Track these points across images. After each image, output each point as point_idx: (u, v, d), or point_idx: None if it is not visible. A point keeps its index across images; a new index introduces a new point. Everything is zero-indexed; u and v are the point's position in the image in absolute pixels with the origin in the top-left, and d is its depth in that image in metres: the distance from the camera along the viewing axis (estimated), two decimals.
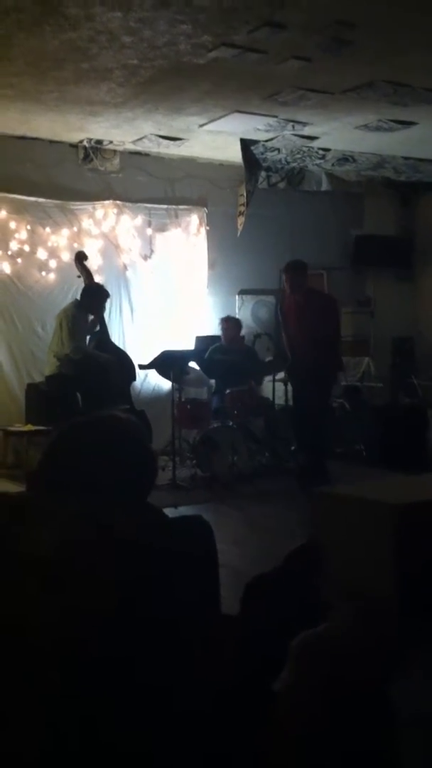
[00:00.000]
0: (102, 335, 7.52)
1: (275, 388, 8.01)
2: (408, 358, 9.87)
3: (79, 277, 7.57)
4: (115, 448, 1.67)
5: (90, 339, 7.43)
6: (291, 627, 1.44)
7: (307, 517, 4.58)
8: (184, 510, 6.05)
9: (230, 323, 8.35)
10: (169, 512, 1.64)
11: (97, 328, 7.49)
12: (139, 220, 8.69)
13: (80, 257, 7.58)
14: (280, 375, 7.97)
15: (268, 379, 8.23)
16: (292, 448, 7.94)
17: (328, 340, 7.23)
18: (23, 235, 8.03)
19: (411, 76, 6.25)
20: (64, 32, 5.30)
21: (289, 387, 7.99)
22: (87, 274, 7.52)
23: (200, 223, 9.08)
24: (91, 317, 7.41)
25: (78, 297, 7.43)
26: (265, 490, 7.05)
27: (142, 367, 7.52)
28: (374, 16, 5.14)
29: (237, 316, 8.93)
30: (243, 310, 9.46)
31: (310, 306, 7.24)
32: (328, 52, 5.68)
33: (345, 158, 8.78)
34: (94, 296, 7.36)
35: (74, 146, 8.27)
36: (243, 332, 8.63)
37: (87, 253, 7.79)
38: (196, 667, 1.35)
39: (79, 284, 7.61)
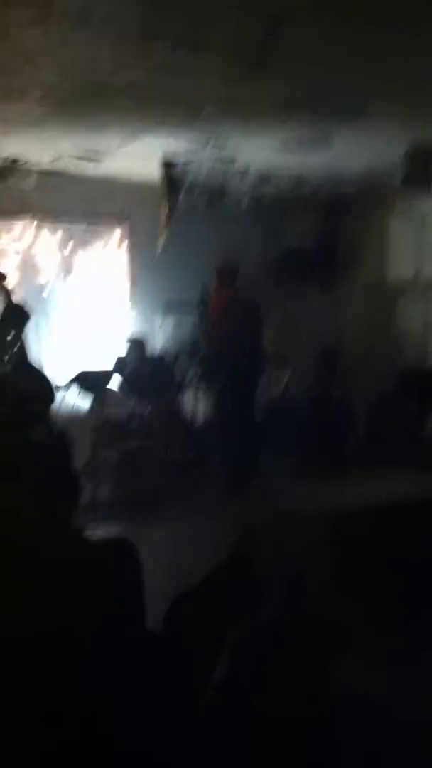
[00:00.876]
0: (20, 355, 7.41)
1: (195, 401, 8.04)
2: (331, 370, 9.98)
3: None
4: (34, 472, 1.64)
5: (8, 360, 7.31)
6: (221, 631, 1.44)
7: (234, 529, 4.58)
8: (105, 529, 5.99)
9: (134, 346, 8.30)
10: (91, 533, 1.62)
11: (16, 347, 7.38)
12: (58, 237, 8.62)
13: None
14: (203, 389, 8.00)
15: (189, 393, 8.26)
16: (217, 461, 7.97)
17: (251, 343, 7.33)
18: None
19: (331, 95, 6.34)
20: None
21: (211, 400, 8.05)
22: (6, 294, 7.42)
23: (121, 240, 9.06)
24: (10, 338, 7.30)
25: None
26: (188, 505, 7.03)
27: (59, 388, 7.45)
28: (293, 34, 5.13)
29: (159, 333, 8.91)
30: (165, 327, 9.44)
31: (237, 309, 7.36)
32: (249, 70, 5.72)
33: (265, 178, 8.90)
34: (15, 316, 7.27)
35: None
36: (162, 348, 8.62)
37: (4, 272, 7.69)
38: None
39: None
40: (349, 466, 7.67)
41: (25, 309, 7.43)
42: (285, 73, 5.83)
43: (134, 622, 1.59)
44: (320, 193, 9.64)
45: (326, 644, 1.53)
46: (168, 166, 8.10)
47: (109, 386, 7.63)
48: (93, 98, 6.22)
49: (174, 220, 8.42)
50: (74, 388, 7.44)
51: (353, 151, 7.95)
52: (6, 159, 8.03)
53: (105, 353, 8.70)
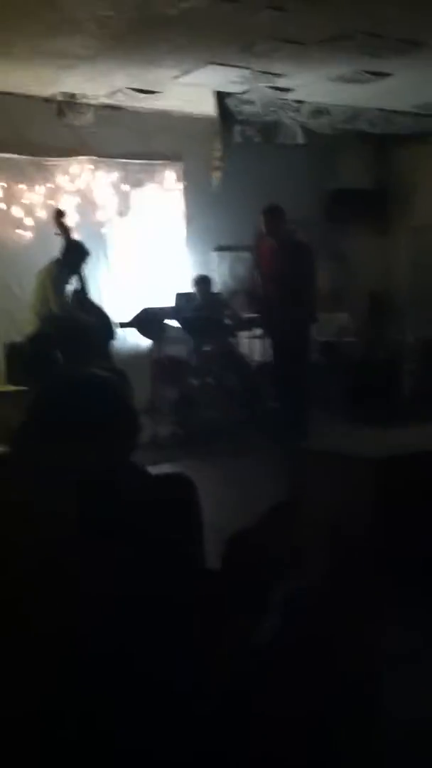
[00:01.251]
0: (81, 293, 7.47)
1: (252, 344, 8.02)
2: (383, 312, 9.88)
3: (57, 234, 7.49)
4: (98, 405, 1.68)
5: (69, 297, 7.38)
6: (271, 581, 1.47)
7: (286, 473, 4.63)
8: (164, 468, 6.10)
9: (202, 283, 8.27)
10: (150, 470, 1.66)
11: (78, 285, 7.44)
12: (115, 175, 8.60)
13: (59, 214, 7.48)
14: (258, 332, 7.98)
15: (245, 335, 8.24)
16: (270, 404, 7.99)
17: (302, 289, 7.20)
18: None
19: (387, 27, 6.19)
20: None
21: (267, 343, 8.02)
22: (65, 231, 7.45)
23: (177, 179, 9.00)
24: (70, 275, 7.36)
25: (58, 255, 7.37)
26: (243, 447, 7.09)
27: (122, 325, 7.49)
28: None
29: (215, 274, 8.90)
30: (221, 267, 9.43)
31: (284, 252, 7.23)
32: (303, 1, 5.60)
33: (319, 111, 8.71)
34: (75, 254, 7.30)
35: (47, 101, 8.13)
36: (220, 289, 8.60)
37: (63, 209, 7.71)
38: (189, 627, 1.38)
39: (57, 242, 7.54)
40: (401, 412, 7.60)
41: (84, 246, 7.46)
42: (341, 4, 5.67)
43: (195, 557, 1.63)
44: (374, 128, 9.39)
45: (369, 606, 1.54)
46: (223, 98, 7.98)
47: (169, 323, 7.65)
48: (147, 31, 6.14)
49: (229, 156, 8.31)
50: (135, 326, 7.47)
51: (409, 85, 7.72)
52: (64, 94, 7.99)
53: (162, 291, 8.72)
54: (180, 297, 8.58)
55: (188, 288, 8.75)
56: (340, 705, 1.47)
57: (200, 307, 8.15)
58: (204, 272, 8.78)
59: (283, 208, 7.36)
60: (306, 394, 7.43)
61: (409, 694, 2.66)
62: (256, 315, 7.88)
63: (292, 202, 7.58)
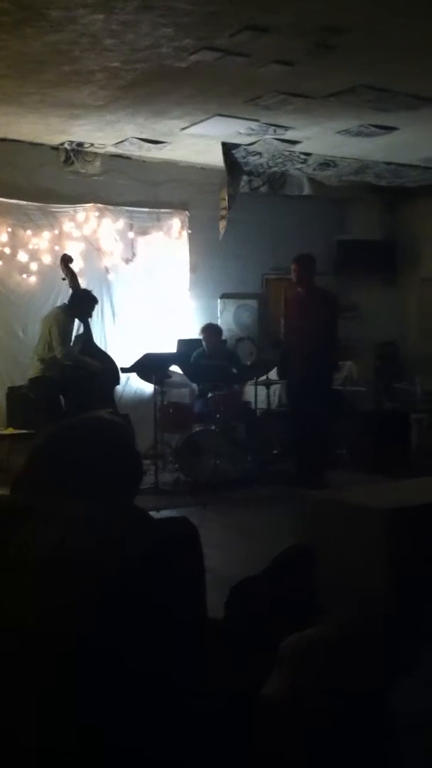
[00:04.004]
0: (87, 338, 7.49)
1: (257, 392, 8.00)
2: (392, 363, 9.90)
3: (64, 279, 7.53)
4: (104, 449, 1.65)
5: (74, 342, 7.39)
6: (280, 630, 1.42)
7: (294, 521, 4.56)
8: (166, 513, 6.02)
9: (210, 331, 8.29)
10: (153, 516, 1.63)
11: (83, 330, 7.46)
12: (121, 223, 8.68)
13: (66, 260, 7.54)
14: (262, 378, 7.97)
15: (250, 383, 8.22)
16: (275, 452, 7.95)
17: (330, 337, 7.30)
18: (4, 237, 8.00)
19: (393, 81, 6.28)
20: (46, 34, 5.27)
21: (272, 390, 8.00)
22: (72, 277, 7.49)
23: (182, 227, 9.08)
24: (77, 321, 7.38)
25: (65, 301, 7.41)
26: (248, 494, 7.03)
27: (124, 370, 7.49)
28: (359, 22, 5.16)
29: (218, 321, 8.94)
30: (225, 314, 9.47)
31: (314, 300, 7.34)
32: (311, 57, 5.69)
33: (326, 163, 8.81)
34: (84, 302, 7.34)
35: (55, 149, 8.24)
36: (224, 336, 8.63)
37: (70, 255, 7.75)
38: (186, 667, 1.33)
39: (62, 287, 7.58)
40: (409, 463, 7.56)
41: (91, 293, 7.50)
42: (348, 59, 5.76)
43: (195, 604, 1.59)
44: (381, 181, 9.50)
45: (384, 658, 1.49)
46: (230, 149, 8.07)
47: (172, 369, 7.65)
48: (156, 82, 6.23)
49: (235, 206, 8.39)
50: (137, 371, 7.47)
51: (415, 138, 7.81)
52: (72, 142, 8.10)
53: (166, 337, 8.73)
54: (182, 343, 8.60)
55: (191, 334, 8.78)
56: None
57: (204, 353, 8.15)
58: (209, 319, 8.82)
59: (314, 258, 7.48)
60: (324, 442, 7.40)
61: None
62: (270, 362, 7.93)
63: (300, 253, 7.64)
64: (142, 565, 1.40)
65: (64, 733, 1.26)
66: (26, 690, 1.29)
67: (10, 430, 7.43)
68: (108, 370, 7.33)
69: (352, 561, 3.40)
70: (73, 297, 7.34)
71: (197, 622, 1.46)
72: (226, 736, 1.33)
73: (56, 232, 8.27)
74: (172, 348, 8.54)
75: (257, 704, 1.37)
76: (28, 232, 8.12)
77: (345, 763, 1.32)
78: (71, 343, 7.28)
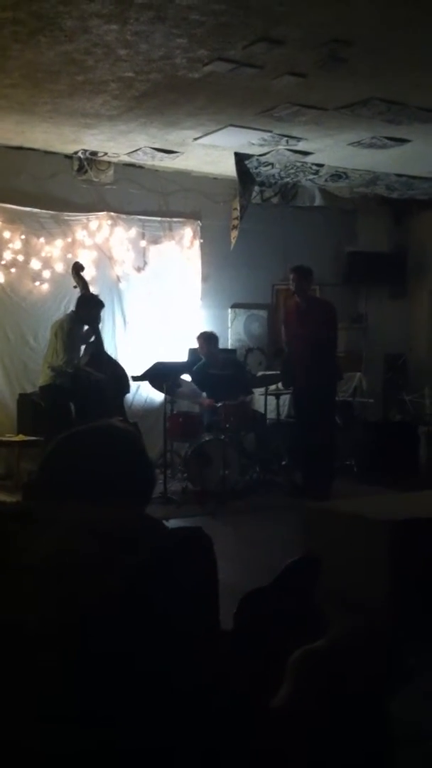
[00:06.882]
0: (96, 346, 7.50)
1: (267, 402, 8.00)
2: (400, 375, 9.90)
3: (75, 287, 7.56)
4: (116, 457, 1.65)
5: (85, 349, 7.41)
6: (288, 642, 1.42)
7: (300, 532, 4.56)
8: (175, 523, 6.02)
9: (204, 339, 8.08)
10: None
11: (92, 338, 7.47)
12: (133, 232, 8.71)
13: (77, 268, 7.57)
14: (272, 388, 7.97)
15: (259, 392, 8.22)
16: (283, 462, 7.94)
17: (327, 346, 7.30)
18: (17, 245, 8.04)
19: (405, 94, 6.30)
20: (60, 44, 5.32)
21: (281, 401, 8.00)
22: (83, 284, 7.51)
23: (194, 236, 9.10)
24: (86, 328, 7.39)
25: (73, 308, 7.42)
26: (256, 504, 7.03)
27: (134, 378, 7.50)
28: (370, 34, 5.19)
29: (228, 331, 8.94)
30: (235, 324, 9.48)
31: (311, 311, 7.34)
32: (323, 68, 5.71)
33: (338, 174, 8.83)
34: (90, 307, 7.35)
35: (69, 157, 8.29)
36: (234, 346, 8.61)
37: (81, 263, 7.79)
38: (194, 676, 1.34)
39: (73, 295, 7.60)
40: (417, 474, 7.55)
41: (99, 299, 7.51)
42: (361, 71, 5.79)
43: (209, 615, 1.59)
44: (392, 193, 9.50)
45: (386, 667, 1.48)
46: (242, 159, 8.10)
47: (182, 378, 7.65)
48: (169, 92, 6.27)
49: (246, 216, 8.41)
50: (147, 379, 7.48)
51: (427, 150, 7.82)
52: (86, 151, 8.14)
53: (177, 346, 8.75)
54: (193, 352, 8.60)
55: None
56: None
57: (214, 363, 8.15)
58: (220, 329, 8.82)
59: (311, 269, 7.49)
60: (330, 452, 7.39)
61: None
62: (275, 372, 7.94)
63: (310, 264, 7.65)
64: (154, 572, 1.41)
65: (66, 737, 1.26)
66: (28, 694, 1.29)
67: (20, 437, 7.46)
68: (114, 379, 7.34)
69: (354, 571, 3.40)
70: (78, 301, 7.37)
71: (209, 633, 1.46)
72: (226, 738, 1.33)
73: (69, 240, 8.31)
74: (182, 357, 8.55)
75: (260, 710, 1.37)
76: (41, 239, 8.16)
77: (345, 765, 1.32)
78: (80, 352, 7.30)
